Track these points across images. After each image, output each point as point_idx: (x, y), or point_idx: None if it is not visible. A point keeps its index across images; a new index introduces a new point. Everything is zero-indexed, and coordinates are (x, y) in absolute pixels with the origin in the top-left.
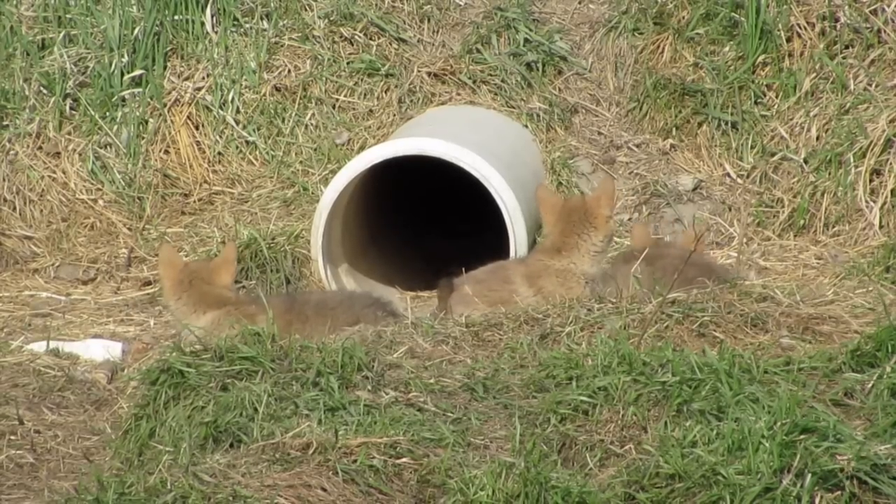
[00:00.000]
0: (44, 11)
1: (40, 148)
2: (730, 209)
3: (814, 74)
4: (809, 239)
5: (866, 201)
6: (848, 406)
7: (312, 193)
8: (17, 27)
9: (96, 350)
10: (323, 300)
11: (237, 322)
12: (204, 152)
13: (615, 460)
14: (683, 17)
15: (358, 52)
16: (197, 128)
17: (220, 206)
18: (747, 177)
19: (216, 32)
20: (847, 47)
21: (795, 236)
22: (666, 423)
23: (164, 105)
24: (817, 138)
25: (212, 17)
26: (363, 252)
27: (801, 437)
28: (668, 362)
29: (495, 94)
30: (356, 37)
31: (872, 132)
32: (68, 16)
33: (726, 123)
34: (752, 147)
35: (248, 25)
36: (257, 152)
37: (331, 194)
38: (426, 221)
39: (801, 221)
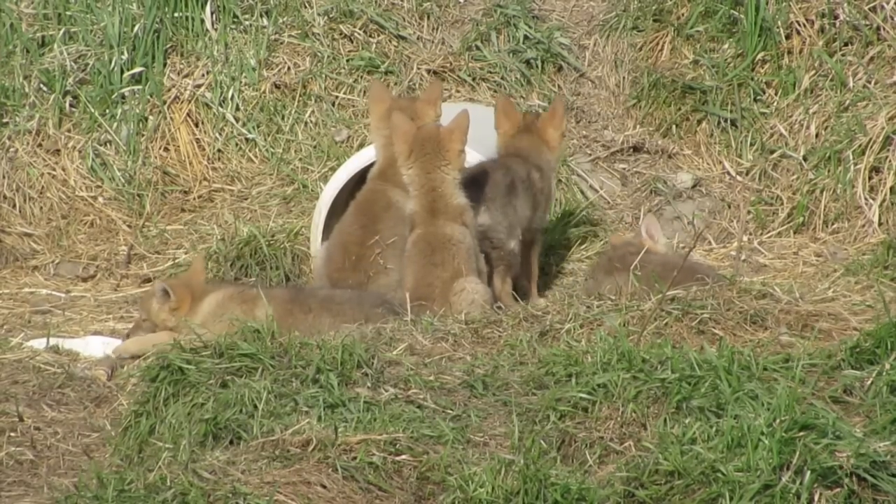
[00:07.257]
0: (44, 9)
1: (40, 145)
2: (729, 207)
3: (813, 72)
4: (809, 236)
5: (865, 198)
6: (847, 403)
7: (312, 191)
8: (17, 24)
9: (96, 347)
10: (331, 296)
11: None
12: (203, 149)
13: (614, 457)
14: (683, 15)
15: (357, 50)
16: (196, 125)
17: (219, 203)
18: (746, 174)
19: (216, 30)
20: (846, 44)
21: (795, 234)
22: (665, 419)
23: (164, 102)
24: (816, 136)
25: (211, 14)
26: None
27: (801, 434)
28: (668, 359)
29: (495, 91)
30: (356, 34)
31: (871, 129)
32: (68, 13)
33: (725, 121)
34: (751, 144)
35: (247, 23)
36: (257, 149)
37: (330, 191)
38: None
39: (801, 219)
